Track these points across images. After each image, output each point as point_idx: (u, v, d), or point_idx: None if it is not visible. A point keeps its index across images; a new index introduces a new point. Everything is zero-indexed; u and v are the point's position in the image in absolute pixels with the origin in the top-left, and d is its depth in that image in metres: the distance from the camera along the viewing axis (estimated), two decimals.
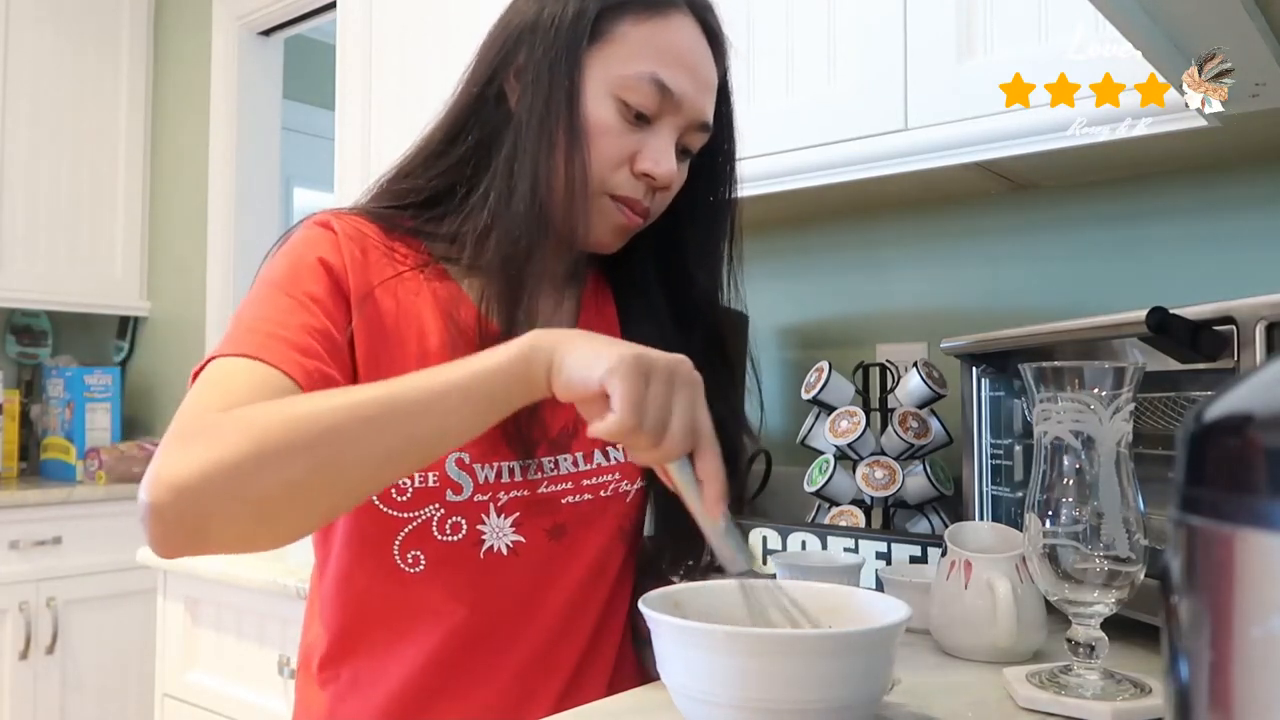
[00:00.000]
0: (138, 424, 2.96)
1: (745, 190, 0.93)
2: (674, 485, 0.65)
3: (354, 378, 0.76)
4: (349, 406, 0.63)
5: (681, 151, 0.83)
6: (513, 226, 0.78)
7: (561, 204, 0.79)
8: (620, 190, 0.80)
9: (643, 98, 0.78)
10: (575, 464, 0.84)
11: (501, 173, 0.79)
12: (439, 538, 0.79)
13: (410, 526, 0.78)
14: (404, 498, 0.77)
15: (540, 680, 0.83)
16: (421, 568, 0.79)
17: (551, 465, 0.83)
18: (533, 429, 0.79)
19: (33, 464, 2.85)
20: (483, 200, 0.80)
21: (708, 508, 0.63)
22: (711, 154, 0.87)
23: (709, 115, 0.83)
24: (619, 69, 0.78)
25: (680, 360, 0.63)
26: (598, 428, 0.61)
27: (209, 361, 0.71)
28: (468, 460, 0.78)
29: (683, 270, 0.90)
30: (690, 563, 0.87)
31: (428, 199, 0.84)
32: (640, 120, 0.79)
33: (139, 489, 0.63)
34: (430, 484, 0.77)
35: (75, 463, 2.69)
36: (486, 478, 0.79)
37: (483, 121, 0.82)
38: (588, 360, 0.62)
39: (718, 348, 0.91)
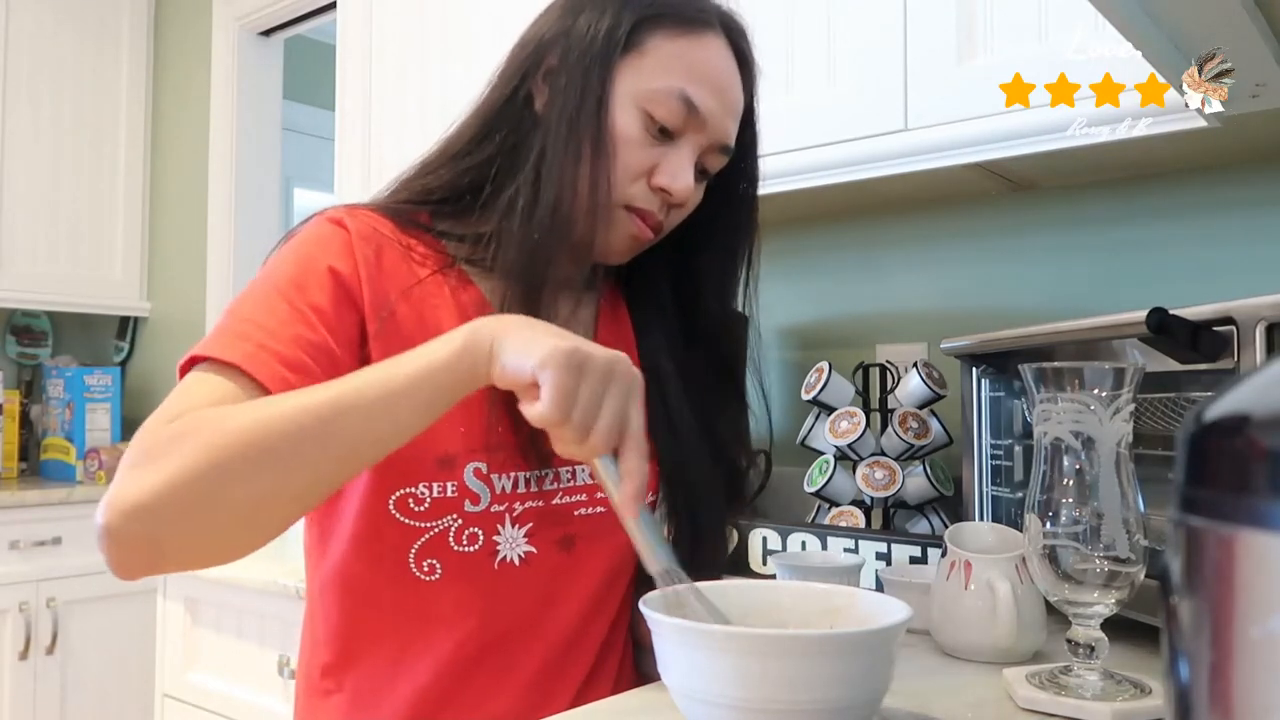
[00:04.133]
0: (138, 424, 2.89)
1: None
2: (598, 479, 0.65)
3: None
4: (297, 413, 0.62)
5: (700, 172, 0.83)
6: (537, 231, 0.78)
7: (584, 212, 0.79)
8: (636, 202, 0.80)
9: (668, 112, 0.78)
10: (590, 476, 0.83)
11: (528, 177, 0.79)
12: (456, 548, 0.78)
13: (427, 536, 0.77)
14: (422, 508, 0.76)
15: (550, 690, 0.82)
16: (438, 576, 0.78)
17: (568, 475, 0.82)
18: (545, 441, 0.79)
19: (33, 464, 2.85)
20: (510, 203, 0.80)
21: (624, 505, 0.64)
22: (732, 180, 0.87)
23: (731, 138, 0.83)
24: (648, 82, 0.79)
25: (618, 358, 0.63)
26: (527, 412, 0.62)
27: (195, 360, 0.70)
28: (485, 471, 0.78)
29: (695, 293, 0.90)
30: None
31: (451, 197, 0.84)
32: (663, 135, 0.79)
33: (99, 510, 0.62)
34: (449, 494, 0.76)
35: (75, 463, 2.69)
36: (504, 488, 0.79)
37: (511, 124, 0.82)
38: (523, 349, 0.62)
39: (727, 365, 0.92)
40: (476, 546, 0.78)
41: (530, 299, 0.78)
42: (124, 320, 3.06)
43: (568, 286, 0.86)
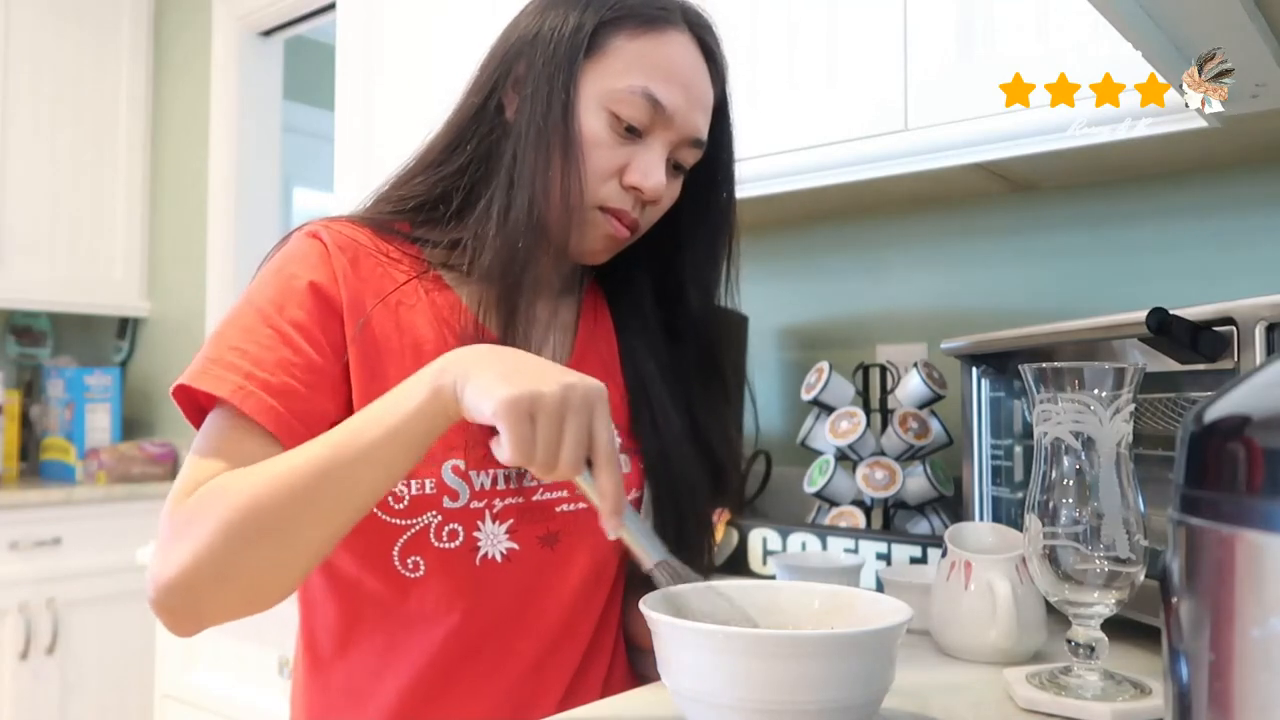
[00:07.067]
0: (138, 424, 2.96)
1: (745, 190, 0.93)
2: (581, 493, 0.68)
3: (349, 394, 0.77)
4: (288, 479, 0.67)
5: (674, 167, 0.84)
6: (514, 235, 0.79)
7: (558, 215, 0.80)
8: (610, 202, 0.81)
9: (634, 110, 0.80)
10: None
11: (502, 184, 0.81)
12: (436, 544, 0.79)
13: (409, 533, 0.78)
14: (401, 505, 0.77)
15: (538, 688, 0.82)
16: (421, 573, 0.79)
17: None
18: None
19: (32, 464, 2.85)
20: (485, 209, 0.81)
21: (607, 518, 0.66)
22: (708, 173, 0.88)
23: (702, 131, 0.84)
24: (612, 82, 0.80)
25: (571, 386, 0.64)
26: (495, 453, 0.65)
27: (185, 390, 0.74)
28: (464, 468, 0.78)
29: (677, 288, 0.91)
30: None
31: (427, 204, 0.85)
32: (631, 133, 0.81)
33: (146, 583, 0.70)
34: (427, 491, 0.77)
35: (75, 463, 2.69)
36: (482, 484, 0.79)
37: (483, 132, 0.84)
38: (481, 393, 0.64)
39: (711, 361, 0.93)
40: (457, 543, 0.79)
41: (509, 302, 0.79)
42: (124, 320, 3.06)
43: (547, 288, 0.87)
